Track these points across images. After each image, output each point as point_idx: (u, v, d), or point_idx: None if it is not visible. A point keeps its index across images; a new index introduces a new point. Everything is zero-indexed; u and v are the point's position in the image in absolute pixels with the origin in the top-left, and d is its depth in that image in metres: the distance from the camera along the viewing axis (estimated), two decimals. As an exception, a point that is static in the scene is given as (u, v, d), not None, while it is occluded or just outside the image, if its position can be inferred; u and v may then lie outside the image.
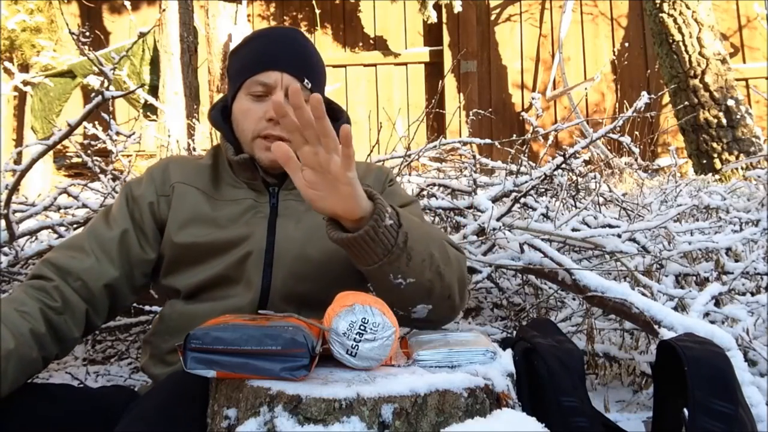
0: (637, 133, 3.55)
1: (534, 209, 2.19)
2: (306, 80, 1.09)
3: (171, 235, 1.06)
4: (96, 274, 1.01)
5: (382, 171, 1.21)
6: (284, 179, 1.12)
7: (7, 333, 0.85)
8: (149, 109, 5.67)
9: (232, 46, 5.66)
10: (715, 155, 4.83)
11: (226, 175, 1.14)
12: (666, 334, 1.31)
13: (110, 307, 1.05)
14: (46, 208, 2.08)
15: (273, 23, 8.04)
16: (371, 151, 2.81)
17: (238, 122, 1.11)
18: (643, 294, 1.63)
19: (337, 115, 1.21)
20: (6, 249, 1.87)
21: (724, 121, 4.82)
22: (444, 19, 7.56)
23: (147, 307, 2.02)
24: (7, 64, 5.86)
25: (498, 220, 1.92)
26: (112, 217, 1.09)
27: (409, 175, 2.66)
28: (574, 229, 2.02)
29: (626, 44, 6.93)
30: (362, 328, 0.74)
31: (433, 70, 7.70)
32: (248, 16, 6.57)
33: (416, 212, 1.16)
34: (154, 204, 1.09)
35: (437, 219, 2.29)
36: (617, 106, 6.38)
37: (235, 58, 1.15)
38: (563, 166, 2.12)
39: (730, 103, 4.82)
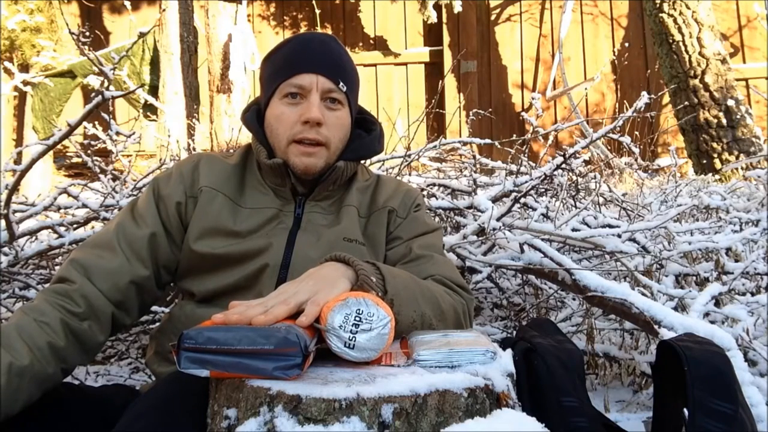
0: (637, 133, 3.55)
1: (534, 209, 2.19)
2: (341, 83, 1.09)
3: (189, 241, 1.06)
4: (125, 273, 1.00)
5: (410, 195, 1.20)
6: (313, 188, 1.12)
7: (23, 348, 0.84)
8: (149, 109, 5.67)
9: (232, 45, 5.65)
10: (715, 155, 4.83)
11: (254, 178, 1.13)
12: (666, 334, 1.31)
13: (140, 304, 1.04)
14: (46, 208, 2.08)
15: (273, 23, 8.05)
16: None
17: (272, 127, 1.09)
18: (643, 294, 1.63)
19: (370, 126, 1.20)
20: (6, 249, 1.87)
21: (724, 121, 4.82)
22: (444, 19, 7.57)
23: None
24: (7, 64, 5.86)
25: (498, 220, 1.92)
26: (138, 213, 1.08)
27: (409, 175, 2.66)
28: (574, 229, 2.02)
29: (626, 44, 6.93)
30: (357, 319, 0.74)
31: (433, 70, 7.71)
32: (248, 16, 6.57)
33: (432, 242, 1.15)
34: (182, 205, 1.08)
35: (437, 219, 2.29)
36: (617, 106, 6.38)
37: (269, 63, 1.14)
38: (563, 166, 2.12)
39: (730, 103, 4.82)
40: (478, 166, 2.80)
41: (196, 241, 1.06)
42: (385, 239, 1.14)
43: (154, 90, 5.74)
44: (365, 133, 1.19)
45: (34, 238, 2.14)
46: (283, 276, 1.03)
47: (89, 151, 2.39)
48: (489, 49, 7.74)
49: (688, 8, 4.97)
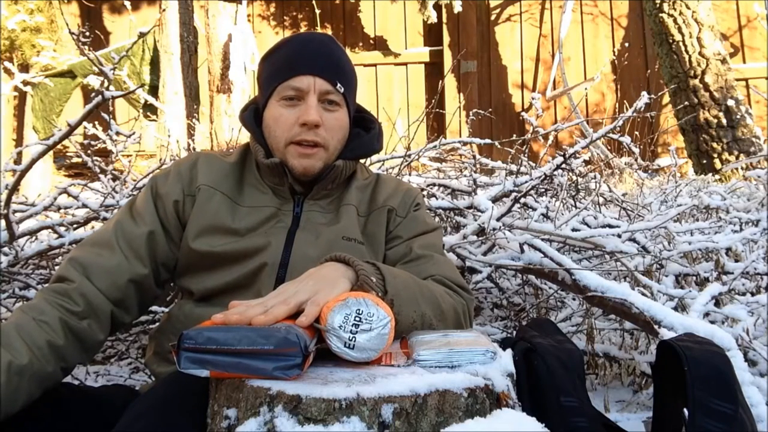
0: (637, 133, 3.56)
1: (534, 209, 2.19)
2: (338, 84, 1.09)
3: (188, 239, 1.06)
4: (124, 272, 1.01)
5: (410, 194, 1.20)
6: (312, 187, 1.12)
7: (23, 346, 0.84)
8: (149, 109, 5.67)
9: (232, 46, 5.64)
10: (715, 155, 4.83)
11: (253, 177, 1.14)
12: (666, 334, 1.31)
13: (139, 303, 1.05)
14: (46, 208, 2.08)
15: (273, 23, 8.05)
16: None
17: (270, 129, 1.10)
18: (643, 294, 1.63)
19: (368, 125, 1.20)
20: (6, 249, 1.87)
21: (724, 121, 4.82)
22: (444, 19, 7.57)
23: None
24: (7, 64, 5.86)
25: (498, 220, 1.92)
26: (137, 212, 1.08)
27: (409, 175, 2.66)
28: (574, 229, 2.02)
29: (626, 44, 6.93)
30: (357, 319, 0.74)
31: (433, 70, 7.70)
32: (248, 16, 6.57)
33: (432, 242, 1.15)
34: (180, 203, 1.09)
35: (437, 219, 2.29)
36: (617, 106, 6.38)
37: (266, 64, 1.14)
38: (563, 166, 2.12)
39: (730, 103, 4.82)
40: (478, 166, 2.80)
41: (194, 239, 1.06)
42: (385, 238, 1.14)
43: (154, 90, 5.73)
44: (364, 131, 1.19)
45: (34, 238, 2.14)
46: (282, 275, 1.03)
47: (89, 151, 2.39)
48: (489, 49, 7.74)
49: (688, 8, 4.97)
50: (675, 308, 1.71)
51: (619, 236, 1.93)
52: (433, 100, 3.68)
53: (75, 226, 2.05)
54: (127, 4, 2.43)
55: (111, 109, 2.06)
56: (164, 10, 5.55)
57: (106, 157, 2.47)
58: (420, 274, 1.04)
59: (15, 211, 1.94)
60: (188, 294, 1.09)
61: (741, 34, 7.32)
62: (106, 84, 1.59)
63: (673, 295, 1.78)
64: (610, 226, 2.06)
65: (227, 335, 0.70)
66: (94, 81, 5.79)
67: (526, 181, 2.10)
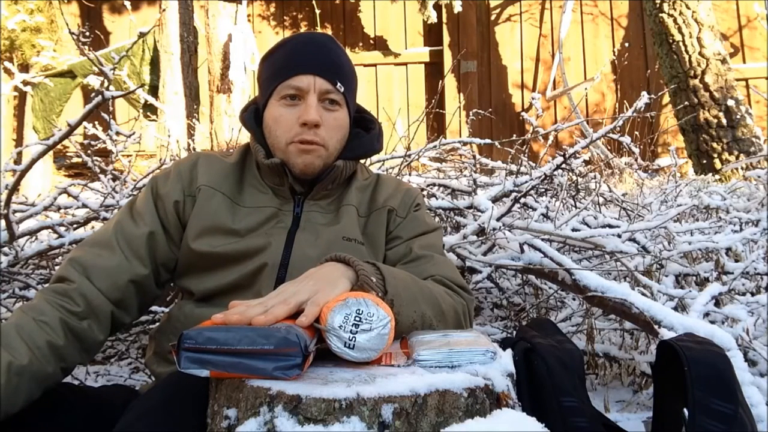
0: (637, 133, 3.55)
1: (534, 209, 2.19)
2: (338, 84, 1.09)
3: (188, 239, 1.06)
4: (124, 272, 1.01)
5: (410, 194, 1.20)
6: (312, 188, 1.12)
7: (23, 347, 0.84)
8: (149, 109, 5.67)
9: (232, 46, 5.63)
10: (715, 155, 4.83)
11: (253, 177, 1.14)
12: (666, 334, 1.31)
13: (139, 303, 1.05)
14: (46, 208, 2.08)
15: (273, 23, 8.05)
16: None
17: (271, 129, 1.09)
18: (643, 294, 1.63)
19: (369, 125, 1.20)
20: (6, 249, 1.87)
21: (724, 121, 4.82)
22: (444, 19, 7.57)
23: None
24: (7, 64, 5.86)
25: (498, 220, 1.92)
26: (137, 212, 1.08)
27: (409, 175, 2.66)
28: (574, 229, 2.02)
29: (626, 44, 6.93)
30: (357, 319, 0.74)
31: (433, 70, 7.71)
32: (248, 16, 6.57)
33: (432, 242, 1.15)
34: (180, 203, 1.09)
35: (437, 219, 2.29)
36: (617, 106, 6.38)
37: (266, 64, 1.14)
38: (563, 166, 2.12)
39: (730, 103, 4.82)
40: (478, 166, 2.80)
41: (195, 239, 1.06)
42: (385, 239, 1.14)
43: (154, 90, 5.73)
44: (364, 132, 1.19)
45: (34, 238, 2.14)
46: (282, 275, 1.03)
47: (89, 151, 2.39)
48: (489, 49, 7.74)
49: (688, 8, 4.97)
50: (675, 308, 1.71)
51: (619, 236, 1.93)
52: (433, 100, 3.68)
53: (75, 226, 2.05)
54: (127, 4, 2.43)
55: (111, 109, 2.06)
56: (164, 10, 5.55)
57: (106, 157, 2.47)
58: (420, 274, 1.04)
59: (15, 211, 1.94)
60: (188, 294, 1.09)
61: (741, 34, 7.32)
62: (106, 84, 1.59)
63: (673, 295, 1.78)
64: (610, 226, 2.06)
65: (227, 335, 0.70)
66: (94, 81, 5.78)
67: (526, 181, 2.10)
